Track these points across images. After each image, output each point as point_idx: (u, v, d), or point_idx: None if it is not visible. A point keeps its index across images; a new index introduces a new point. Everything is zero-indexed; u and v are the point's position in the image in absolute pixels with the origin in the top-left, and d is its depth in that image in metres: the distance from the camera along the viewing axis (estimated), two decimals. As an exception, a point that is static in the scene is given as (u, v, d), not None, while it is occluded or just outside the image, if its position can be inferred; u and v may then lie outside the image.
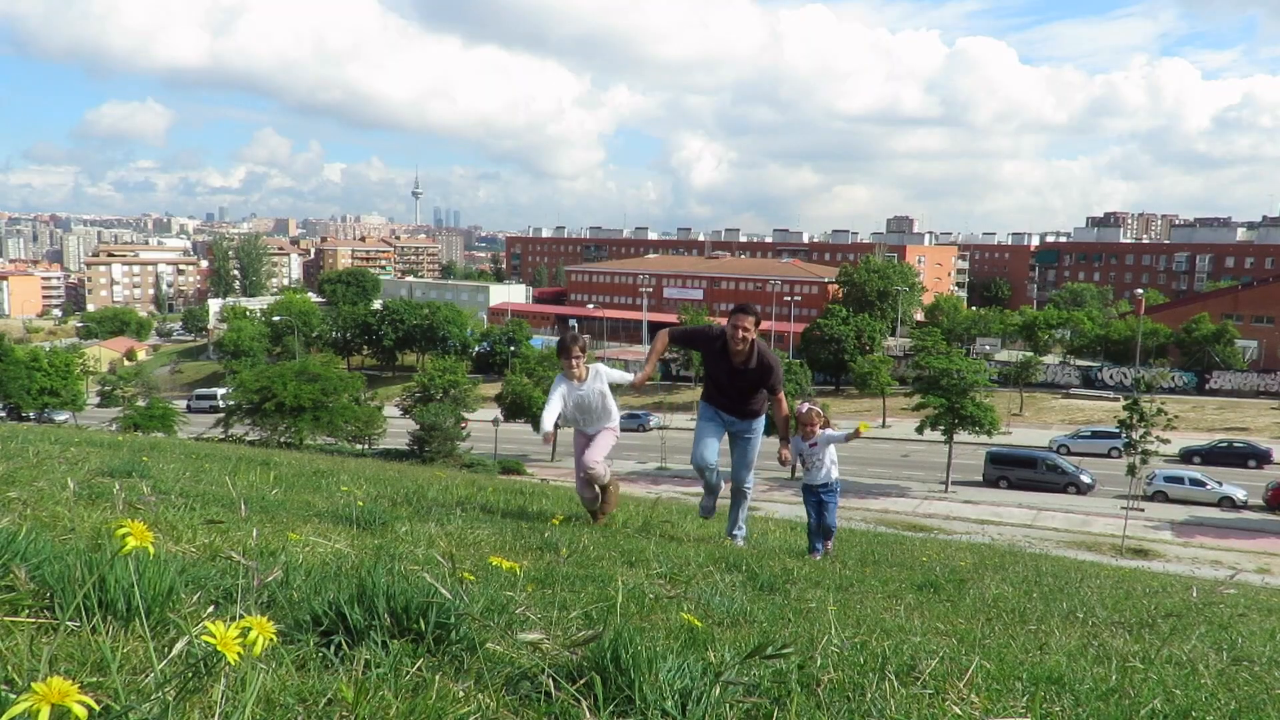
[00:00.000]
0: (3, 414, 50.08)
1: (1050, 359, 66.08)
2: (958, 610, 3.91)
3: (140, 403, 52.60)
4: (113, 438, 10.72)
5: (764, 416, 6.37)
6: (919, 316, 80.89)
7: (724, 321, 6.22)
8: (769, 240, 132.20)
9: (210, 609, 1.68)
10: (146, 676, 1.32)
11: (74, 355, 62.72)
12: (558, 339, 6.63)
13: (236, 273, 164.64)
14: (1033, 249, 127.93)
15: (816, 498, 6.51)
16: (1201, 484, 37.38)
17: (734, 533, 6.68)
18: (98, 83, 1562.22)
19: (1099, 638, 3.48)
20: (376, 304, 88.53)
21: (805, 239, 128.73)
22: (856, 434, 6.51)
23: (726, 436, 6.49)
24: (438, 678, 1.49)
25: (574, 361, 6.21)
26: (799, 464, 6.59)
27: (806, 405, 6.46)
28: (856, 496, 35.86)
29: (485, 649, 1.68)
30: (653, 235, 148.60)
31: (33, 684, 0.94)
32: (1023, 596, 4.83)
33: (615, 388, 6.41)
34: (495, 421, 46.94)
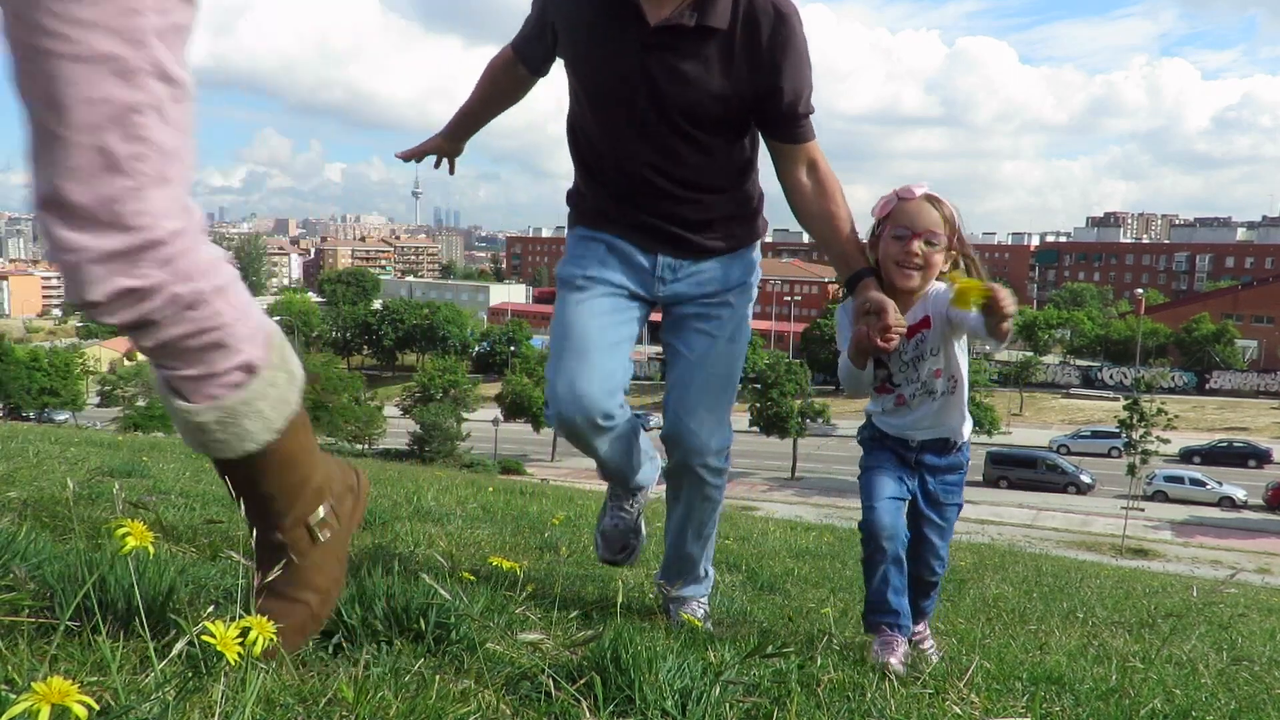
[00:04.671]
0: (3, 414, 50.07)
1: (1050, 359, 66.10)
2: (958, 610, 3.91)
3: (140, 403, 52.57)
4: (112, 438, 10.73)
5: (757, 249, 2.55)
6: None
7: None
8: (769, 240, 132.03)
9: (210, 609, 1.68)
10: (146, 676, 1.32)
11: (74, 355, 62.67)
12: None
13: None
14: (1033, 249, 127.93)
15: (911, 486, 2.35)
16: (1201, 484, 37.38)
17: (682, 594, 2.63)
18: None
19: (1099, 638, 3.48)
20: (376, 304, 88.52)
21: (805, 239, 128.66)
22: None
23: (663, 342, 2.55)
24: (438, 678, 1.49)
25: None
26: (867, 368, 2.28)
27: (920, 189, 2.26)
28: (856, 496, 35.73)
29: (485, 649, 1.68)
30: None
31: (33, 684, 0.94)
32: (1023, 596, 4.83)
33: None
34: (495, 421, 46.92)
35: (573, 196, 2.54)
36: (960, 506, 2.42)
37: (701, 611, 2.65)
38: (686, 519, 2.57)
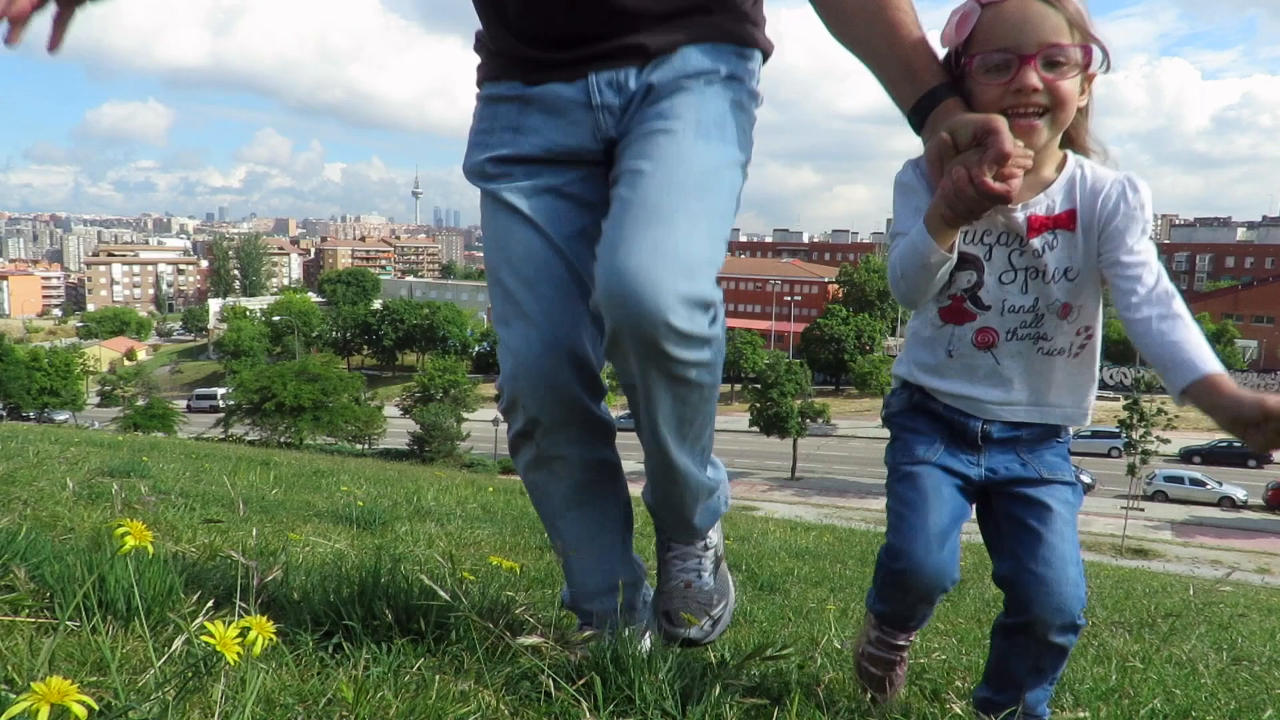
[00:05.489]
0: (3, 414, 50.08)
1: (1050, 359, 66.08)
2: (958, 610, 3.91)
3: (140, 402, 52.57)
4: (113, 438, 10.73)
5: (756, 59, 1.64)
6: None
7: None
8: (769, 240, 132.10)
9: (210, 609, 1.68)
10: (146, 676, 1.32)
11: (74, 355, 62.65)
12: None
13: (236, 273, 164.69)
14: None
15: (978, 474, 1.42)
16: (1201, 484, 37.39)
17: (697, 525, 1.76)
18: (99, 83, 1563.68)
19: (1099, 638, 3.48)
20: (376, 304, 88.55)
21: (805, 239, 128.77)
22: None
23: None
24: (438, 678, 1.49)
25: None
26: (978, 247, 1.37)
27: None
28: (856, 496, 35.86)
29: (485, 649, 1.68)
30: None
31: (32, 684, 0.94)
32: (1023, 596, 4.83)
33: None
34: (495, 421, 46.91)
35: (477, 51, 1.69)
36: (1080, 489, 1.45)
37: (716, 537, 1.87)
38: (656, 415, 1.52)
